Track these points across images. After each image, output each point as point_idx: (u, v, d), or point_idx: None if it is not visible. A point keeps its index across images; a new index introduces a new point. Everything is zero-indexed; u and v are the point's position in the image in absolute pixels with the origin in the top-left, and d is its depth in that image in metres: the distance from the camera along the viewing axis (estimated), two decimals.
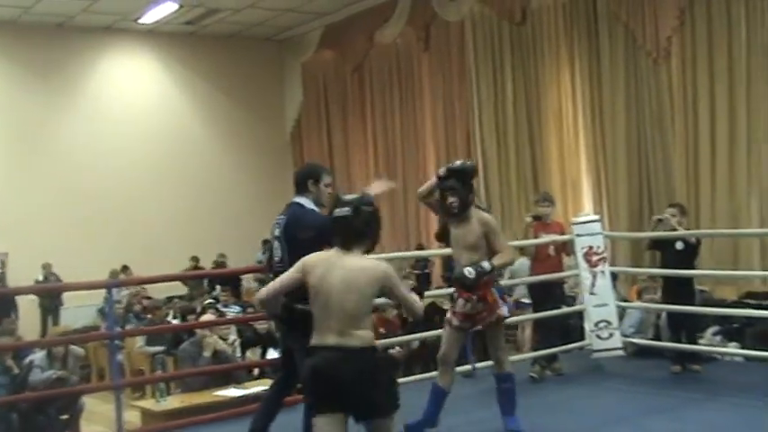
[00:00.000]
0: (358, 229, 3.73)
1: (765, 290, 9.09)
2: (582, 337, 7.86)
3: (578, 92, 12.21)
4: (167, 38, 16.29)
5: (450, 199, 5.16)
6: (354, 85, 16.33)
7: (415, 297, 3.81)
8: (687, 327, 7.48)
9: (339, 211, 3.78)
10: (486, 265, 5.06)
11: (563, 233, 7.67)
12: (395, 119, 15.53)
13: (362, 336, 3.61)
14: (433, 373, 7.47)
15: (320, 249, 4.10)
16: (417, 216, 15.01)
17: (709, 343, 8.14)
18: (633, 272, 9.46)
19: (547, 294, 7.62)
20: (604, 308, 7.43)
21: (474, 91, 13.62)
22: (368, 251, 3.77)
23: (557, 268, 7.65)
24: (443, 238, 7.32)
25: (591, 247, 7.49)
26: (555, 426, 5.78)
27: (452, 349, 5.33)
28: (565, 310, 7.94)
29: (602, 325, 7.39)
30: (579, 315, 8.09)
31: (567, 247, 7.63)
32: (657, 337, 8.02)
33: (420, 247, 13.40)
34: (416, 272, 13.15)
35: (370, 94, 16.07)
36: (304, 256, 4.01)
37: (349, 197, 3.88)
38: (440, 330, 7.79)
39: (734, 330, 8.46)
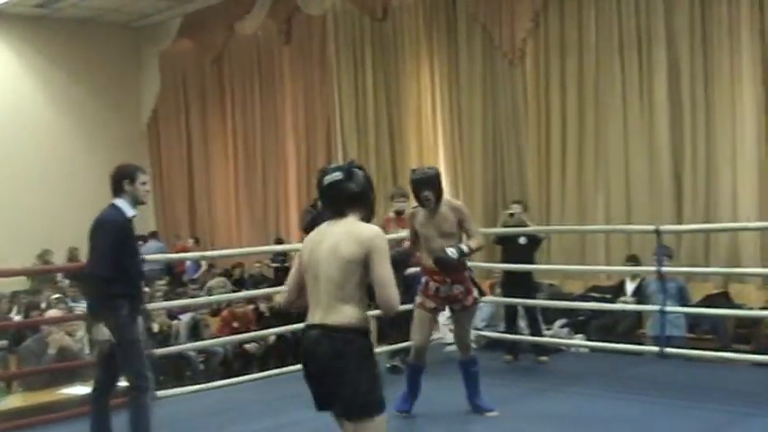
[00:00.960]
0: (351, 191, 3.36)
1: (609, 284, 9.53)
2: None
3: (437, 90, 12.41)
4: (17, 20, 15.46)
5: (425, 192, 5.53)
6: (214, 76, 16.02)
7: (393, 287, 3.19)
8: (529, 319, 7.78)
9: (329, 178, 3.40)
10: (464, 247, 5.46)
11: None
12: (255, 111, 15.34)
13: (348, 313, 3.22)
14: (291, 368, 7.50)
15: (115, 254, 4.57)
16: (276, 210, 14.92)
17: (555, 335, 8.48)
18: (486, 266, 9.69)
19: (405, 288, 7.71)
20: None
21: (335, 85, 13.63)
22: (366, 219, 3.39)
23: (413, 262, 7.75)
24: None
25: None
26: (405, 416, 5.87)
27: (426, 336, 5.78)
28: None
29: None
30: None
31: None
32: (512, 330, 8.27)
33: (279, 241, 13.31)
34: (275, 265, 13.08)
35: (230, 86, 15.81)
36: (100, 258, 4.58)
37: (336, 164, 3.58)
38: (298, 325, 7.89)
39: (579, 323, 8.84)
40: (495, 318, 8.42)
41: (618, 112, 10.20)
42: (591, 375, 7.05)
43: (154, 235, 15.22)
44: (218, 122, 16.07)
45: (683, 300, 7.98)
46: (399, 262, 3.93)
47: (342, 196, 3.38)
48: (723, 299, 8.63)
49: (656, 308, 6.99)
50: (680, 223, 9.31)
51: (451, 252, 5.32)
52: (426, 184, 5.54)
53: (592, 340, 8.16)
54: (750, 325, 8.30)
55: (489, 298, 8.59)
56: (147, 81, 17.02)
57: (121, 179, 4.93)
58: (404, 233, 7.57)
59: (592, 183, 10.49)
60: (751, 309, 8.34)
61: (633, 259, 8.95)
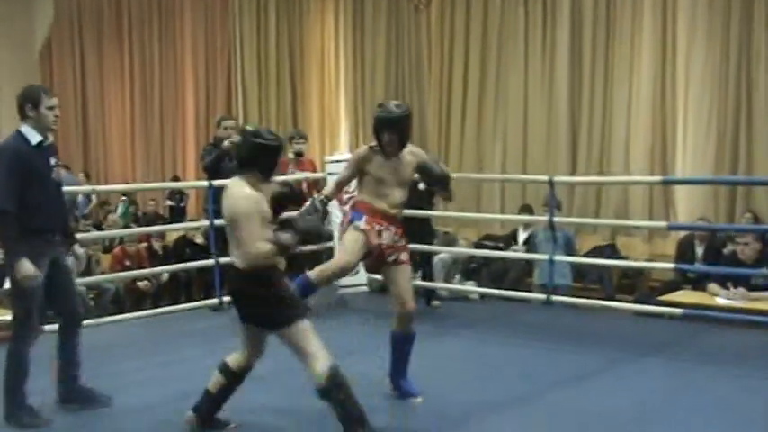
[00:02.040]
0: (242, 156, 4.03)
1: (503, 233, 9.72)
2: None
3: (341, 33, 12.28)
4: None
5: (387, 135, 4.63)
6: (111, 9, 15.40)
7: (256, 244, 3.87)
8: (423, 264, 7.88)
9: (235, 138, 4.15)
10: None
11: (315, 170, 7.76)
12: (153, 48, 14.84)
13: (238, 258, 3.98)
14: (183, 306, 7.41)
15: (13, 185, 4.32)
16: (174, 148, 14.60)
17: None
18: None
19: (279, 228, 7.66)
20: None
21: (236, 26, 13.31)
22: (261, 180, 3.98)
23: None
24: (216, 171, 7.21)
25: None
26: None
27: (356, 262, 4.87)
28: (315, 246, 8.04)
29: None
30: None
31: (318, 185, 7.74)
32: None
33: (175, 179, 13.06)
34: (171, 204, 12.85)
35: (128, 18, 15.20)
36: None
37: (251, 127, 4.20)
38: (191, 263, 7.81)
39: (472, 270, 9.00)
40: None
41: (519, 63, 10.31)
42: (482, 321, 7.22)
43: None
44: (114, 57, 15.50)
45: (570, 250, 8.22)
46: (282, 198, 4.19)
47: (237, 158, 4.19)
48: (610, 250, 8.91)
49: (545, 257, 7.17)
50: (574, 174, 9.54)
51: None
52: (390, 126, 4.64)
53: (483, 287, 8.32)
54: (634, 276, 8.61)
55: None
56: (39, 9, 16.27)
57: (25, 103, 4.50)
58: (301, 175, 7.57)
59: (490, 132, 10.61)
60: (637, 260, 8.64)
61: (527, 209, 9.14)
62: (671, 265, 7.54)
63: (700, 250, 7.75)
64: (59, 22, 16.09)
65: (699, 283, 7.34)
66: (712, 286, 6.95)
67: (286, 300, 4.05)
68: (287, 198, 4.25)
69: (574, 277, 8.29)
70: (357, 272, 7.54)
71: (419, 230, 7.70)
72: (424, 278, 7.84)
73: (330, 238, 4.79)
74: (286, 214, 4.07)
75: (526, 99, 10.29)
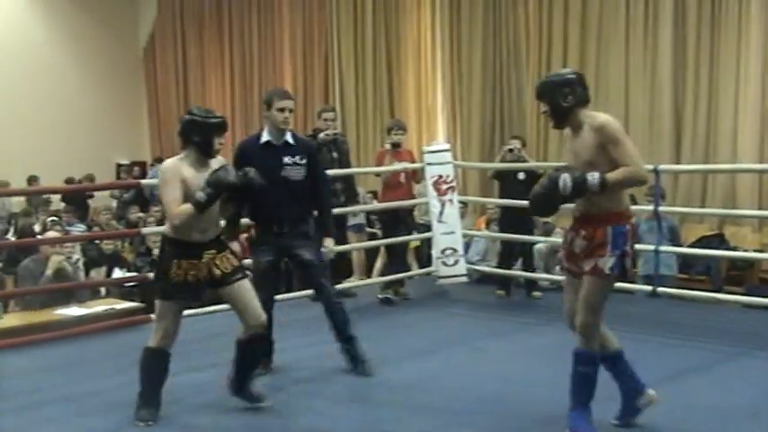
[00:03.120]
0: (179, 134, 4.28)
1: None
2: (429, 263, 8.06)
3: (437, 22, 12.26)
4: None
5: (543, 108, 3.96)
6: (212, 3, 15.78)
7: (172, 207, 4.10)
8: (524, 255, 7.80)
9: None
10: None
11: (413, 161, 7.77)
12: (252, 40, 15.15)
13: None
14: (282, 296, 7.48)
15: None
16: None
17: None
18: (482, 201, 9.70)
19: (397, 221, 7.73)
20: (451, 236, 7.62)
21: (333, 18, 13.45)
22: (200, 157, 4.23)
23: (407, 195, 7.75)
24: None
25: (441, 176, 7.63)
26: (400, 345, 5.93)
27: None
28: (414, 236, 8.08)
29: (448, 252, 7.58)
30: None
31: (417, 175, 7.76)
32: (505, 266, 8.29)
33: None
34: None
35: (228, 13, 15.56)
36: None
37: (194, 108, 4.38)
38: None
39: None
40: (490, 253, 8.44)
41: (620, 50, 10.13)
42: None
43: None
44: (215, 49, 15.88)
45: (674, 240, 8.01)
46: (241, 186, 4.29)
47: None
48: (718, 240, 8.66)
49: (651, 247, 7.00)
50: (678, 163, 9.31)
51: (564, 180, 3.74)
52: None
53: None
54: (744, 267, 8.35)
55: (484, 233, 8.62)
56: (144, 6, 16.79)
57: (264, 104, 5.16)
58: (399, 166, 7.58)
59: None
60: (746, 251, 8.37)
61: (629, 198, 8.92)
62: None
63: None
64: (162, 18, 16.56)
65: None
66: None
67: (163, 273, 4.21)
68: (231, 186, 4.16)
69: (679, 268, 8.08)
70: (457, 262, 7.60)
71: (519, 221, 7.64)
72: (524, 269, 7.77)
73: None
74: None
75: (627, 87, 10.09)
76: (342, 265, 8.01)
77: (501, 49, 11.41)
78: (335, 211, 6.96)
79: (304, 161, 5.01)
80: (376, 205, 8.57)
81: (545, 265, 8.26)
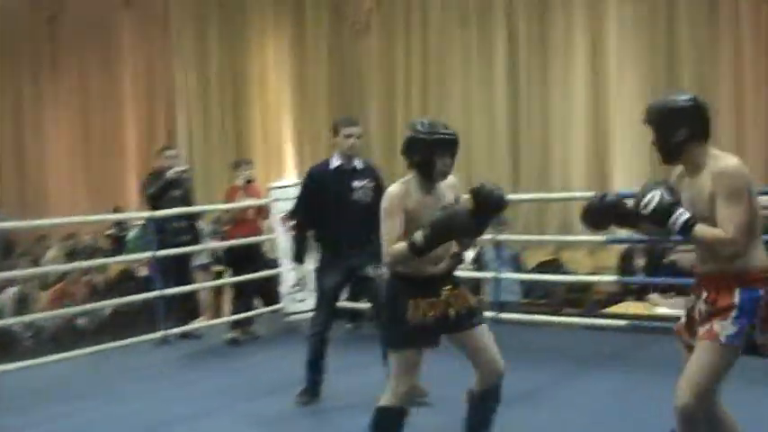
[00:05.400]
0: None
1: None
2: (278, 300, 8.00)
3: (282, 59, 12.30)
4: None
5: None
6: (49, 35, 15.15)
7: (385, 244, 3.52)
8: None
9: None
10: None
11: (260, 197, 7.74)
12: (92, 77, 14.68)
13: None
14: (126, 342, 7.24)
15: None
16: (115, 179, 14.39)
17: None
18: None
19: (246, 258, 7.65)
20: (299, 271, 7.57)
21: (177, 53, 13.26)
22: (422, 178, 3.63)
23: (256, 231, 7.71)
24: (160, 200, 7.20)
25: (288, 212, 7.61)
26: (251, 384, 5.83)
27: None
28: (262, 273, 8.00)
29: (296, 288, 7.56)
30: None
31: (264, 212, 7.72)
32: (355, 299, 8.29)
33: (117, 210, 12.86)
34: (110, 232, 12.57)
35: (67, 48, 15.02)
36: None
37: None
38: (134, 297, 7.66)
39: None
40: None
41: (459, 84, 10.44)
42: None
43: None
44: (51, 86, 15.26)
45: (517, 267, 8.30)
46: None
47: None
48: (555, 265, 9.03)
49: (492, 274, 7.23)
50: (517, 189, 9.67)
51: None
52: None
53: None
54: (580, 290, 8.72)
55: None
56: None
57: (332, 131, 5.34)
58: (248, 202, 7.52)
59: None
60: (580, 274, 8.76)
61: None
62: (613, 278, 7.68)
63: (641, 261, 7.88)
64: None
65: (641, 293, 7.48)
66: (653, 297, 7.09)
67: (398, 316, 3.60)
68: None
69: (523, 293, 8.37)
70: (305, 298, 7.57)
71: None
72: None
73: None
74: None
75: (468, 119, 10.39)
76: (188, 306, 7.83)
77: (345, 84, 11.55)
78: (180, 250, 6.88)
79: (372, 184, 5.23)
80: (224, 243, 8.43)
81: None
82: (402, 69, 11.00)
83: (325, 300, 5.24)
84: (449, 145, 3.55)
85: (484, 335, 3.66)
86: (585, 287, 8.61)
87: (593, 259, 9.25)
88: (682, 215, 3.04)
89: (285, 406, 5.27)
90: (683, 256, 7.18)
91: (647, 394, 5.28)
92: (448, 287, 3.59)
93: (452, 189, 3.67)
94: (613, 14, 9.35)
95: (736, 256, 3.00)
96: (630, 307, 7.24)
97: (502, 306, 7.23)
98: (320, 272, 5.29)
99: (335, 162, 5.25)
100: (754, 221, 3.06)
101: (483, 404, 3.78)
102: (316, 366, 5.28)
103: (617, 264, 8.26)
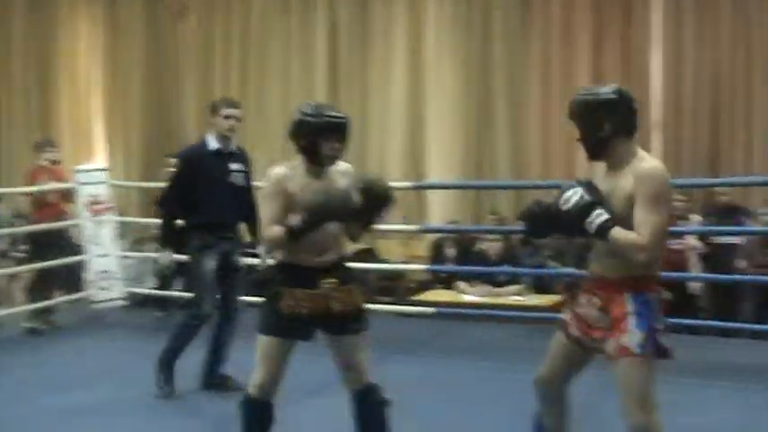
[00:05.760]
0: None
1: None
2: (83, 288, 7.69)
3: (95, 38, 11.78)
4: None
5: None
6: None
7: (264, 228, 3.41)
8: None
9: None
10: None
11: (64, 180, 7.40)
12: None
13: None
14: None
15: None
16: None
17: None
18: (140, 222, 9.42)
19: (49, 243, 7.29)
20: (106, 258, 7.35)
21: None
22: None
23: (60, 216, 7.37)
24: None
25: (94, 197, 7.35)
26: (51, 378, 5.58)
27: None
28: (66, 259, 7.65)
29: (103, 275, 7.30)
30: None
31: (69, 195, 7.39)
32: (164, 287, 8.10)
33: None
34: None
35: None
36: None
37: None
38: None
39: None
40: (144, 275, 8.19)
41: (280, 72, 10.40)
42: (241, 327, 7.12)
43: None
44: None
45: None
46: None
47: None
48: (370, 254, 9.17)
49: None
50: None
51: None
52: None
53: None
54: (394, 278, 8.92)
55: (137, 254, 8.32)
56: None
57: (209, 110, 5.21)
58: (53, 185, 7.15)
59: (250, 142, 10.54)
60: (393, 263, 8.95)
61: None
62: (423, 267, 7.91)
63: (452, 251, 8.16)
64: None
65: (451, 282, 7.75)
66: (459, 284, 7.36)
67: (270, 303, 3.46)
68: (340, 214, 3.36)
69: None
70: (112, 285, 7.33)
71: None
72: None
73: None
74: None
75: (287, 107, 10.33)
76: None
77: (161, 68, 11.22)
78: None
79: (245, 169, 5.17)
80: (25, 228, 8.00)
81: None
82: (221, 54, 10.82)
83: (209, 283, 5.04)
84: (336, 128, 3.37)
85: (358, 348, 3.41)
86: (398, 275, 8.81)
87: (407, 248, 9.48)
88: (599, 216, 2.89)
89: (94, 397, 5.08)
90: (491, 245, 7.52)
91: (447, 378, 5.51)
92: (331, 281, 3.34)
93: (346, 176, 3.46)
94: (432, 6, 9.62)
95: (642, 264, 2.91)
96: (438, 294, 7.48)
97: None
98: (196, 257, 5.06)
99: (213, 144, 5.06)
100: (667, 230, 3.02)
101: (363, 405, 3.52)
102: (179, 353, 5.11)
103: (429, 253, 8.50)
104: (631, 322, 2.90)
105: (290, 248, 3.32)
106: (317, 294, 3.31)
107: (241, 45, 10.69)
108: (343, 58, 10.05)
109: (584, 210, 2.90)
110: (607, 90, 3.02)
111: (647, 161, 2.95)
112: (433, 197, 9.52)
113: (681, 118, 8.60)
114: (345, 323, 3.36)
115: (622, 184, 2.92)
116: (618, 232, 2.86)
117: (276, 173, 3.38)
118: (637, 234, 2.84)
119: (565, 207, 2.93)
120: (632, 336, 2.89)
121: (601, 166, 3.08)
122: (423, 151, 9.68)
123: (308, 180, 3.36)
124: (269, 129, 10.44)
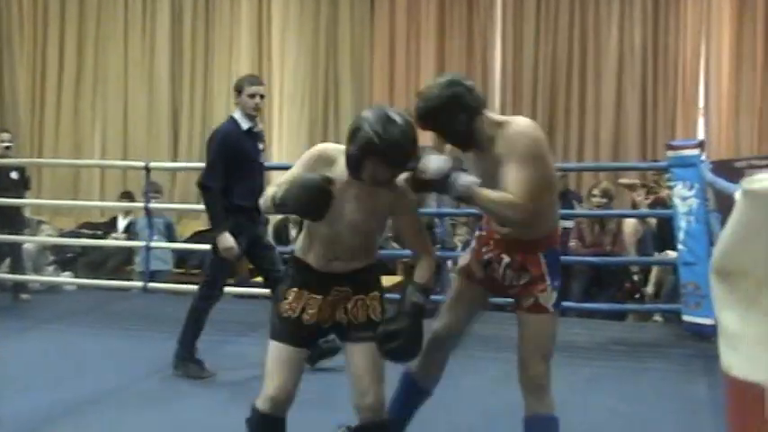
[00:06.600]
0: None
1: (102, 220, 9.39)
2: None
3: None
4: None
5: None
6: None
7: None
8: (12, 255, 7.37)
9: None
10: None
11: None
12: None
13: None
14: None
15: None
16: None
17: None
18: None
19: None
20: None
21: None
22: None
23: None
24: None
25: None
26: None
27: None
28: None
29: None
30: None
31: None
32: None
33: None
34: None
35: None
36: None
37: None
38: None
39: (68, 260, 8.59)
40: None
41: (119, 46, 10.12)
42: (77, 312, 6.88)
43: None
44: None
45: (170, 236, 8.16)
46: None
47: None
48: (210, 235, 9.00)
49: (142, 243, 7.07)
50: (176, 160, 9.52)
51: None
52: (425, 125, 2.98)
53: (80, 277, 7.98)
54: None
55: None
56: None
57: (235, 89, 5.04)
58: None
59: (89, 116, 10.25)
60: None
61: (127, 196, 8.94)
62: None
63: (294, 232, 8.13)
64: None
65: None
66: None
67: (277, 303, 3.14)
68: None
69: (177, 263, 8.28)
70: None
71: (11, 221, 7.21)
72: (12, 270, 7.31)
73: None
74: None
75: (126, 83, 10.07)
76: None
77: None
78: None
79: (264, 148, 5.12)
80: None
81: (34, 266, 7.85)
82: (56, 30, 10.33)
83: (226, 266, 5.01)
84: (393, 156, 2.81)
85: (363, 358, 2.93)
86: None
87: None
88: (460, 177, 2.79)
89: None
90: None
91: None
92: (343, 289, 2.93)
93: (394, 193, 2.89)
94: None
95: (526, 223, 2.85)
96: None
97: (152, 275, 7.08)
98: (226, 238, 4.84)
99: (244, 124, 4.88)
100: (550, 186, 2.97)
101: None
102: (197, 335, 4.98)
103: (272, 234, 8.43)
104: (548, 282, 3.01)
105: (306, 247, 2.97)
106: (324, 301, 2.94)
107: (78, 20, 10.35)
108: (187, 34, 9.92)
109: (443, 173, 2.77)
110: (442, 86, 2.89)
111: (514, 122, 2.90)
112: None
113: (520, 103, 8.92)
114: (350, 330, 2.96)
115: (494, 153, 2.85)
116: (487, 192, 2.79)
117: (324, 149, 2.93)
118: (508, 193, 2.77)
119: (425, 175, 2.79)
120: (549, 295, 3.01)
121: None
122: (270, 128, 9.59)
123: (348, 179, 2.83)
124: (108, 106, 10.18)
